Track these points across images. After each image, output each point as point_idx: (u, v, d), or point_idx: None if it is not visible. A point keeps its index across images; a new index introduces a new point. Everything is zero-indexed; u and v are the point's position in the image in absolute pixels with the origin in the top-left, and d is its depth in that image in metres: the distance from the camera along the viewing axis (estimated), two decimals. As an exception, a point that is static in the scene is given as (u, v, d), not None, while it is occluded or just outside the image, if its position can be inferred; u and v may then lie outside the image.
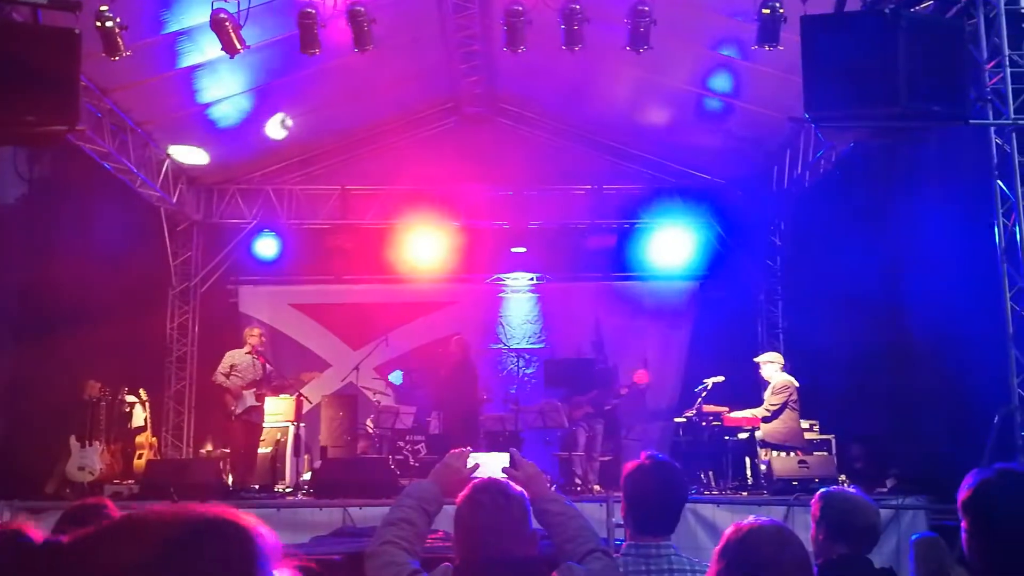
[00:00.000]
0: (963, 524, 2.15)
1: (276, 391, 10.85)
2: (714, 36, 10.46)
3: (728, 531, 2.27)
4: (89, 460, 9.44)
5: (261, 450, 10.51)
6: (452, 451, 3.00)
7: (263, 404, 10.27)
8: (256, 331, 10.44)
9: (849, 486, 7.15)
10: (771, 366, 9.79)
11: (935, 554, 5.61)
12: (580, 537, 2.72)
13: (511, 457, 2.96)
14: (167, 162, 12.66)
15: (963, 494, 2.12)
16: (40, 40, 7.32)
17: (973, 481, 2.13)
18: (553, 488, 3.16)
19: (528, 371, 11.29)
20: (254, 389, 9.94)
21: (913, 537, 5.44)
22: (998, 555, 1.99)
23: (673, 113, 12.78)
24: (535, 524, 2.69)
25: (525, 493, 2.67)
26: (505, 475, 2.89)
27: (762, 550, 2.16)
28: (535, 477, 2.89)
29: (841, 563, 3.06)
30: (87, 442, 9.57)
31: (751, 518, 2.29)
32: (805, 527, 3.21)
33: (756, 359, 10.48)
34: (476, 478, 2.76)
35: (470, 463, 2.95)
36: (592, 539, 2.74)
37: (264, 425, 10.63)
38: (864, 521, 3.15)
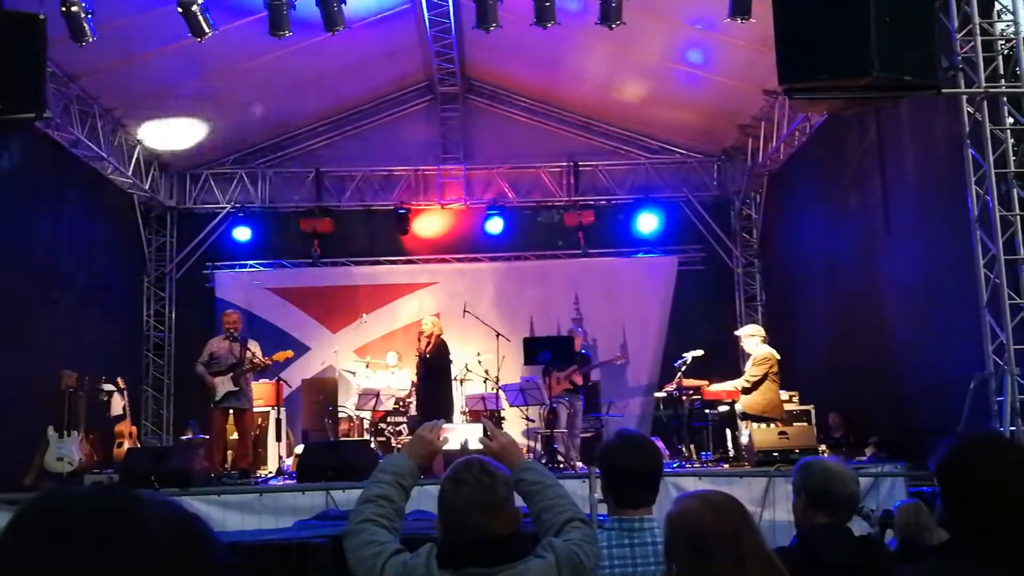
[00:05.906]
0: (938, 489, 2.17)
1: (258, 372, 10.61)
2: (686, 10, 10.43)
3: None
4: (67, 450, 9.35)
5: (233, 436, 10.37)
6: (426, 423, 3.00)
7: (245, 389, 10.09)
8: (232, 316, 10.31)
9: (829, 456, 7.20)
10: (752, 340, 9.81)
11: (918, 519, 5.68)
12: (557, 506, 2.67)
13: (484, 427, 2.96)
14: (138, 148, 12.54)
15: (936, 460, 2.13)
16: (4, 26, 7.20)
17: (945, 447, 2.14)
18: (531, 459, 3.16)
19: (507, 349, 11.27)
20: (230, 375, 9.83)
21: (896, 503, 5.49)
22: (972, 518, 2.01)
23: (647, 88, 12.77)
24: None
25: (506, 468, 2.66)
26: (482, 445, 2.89)
27: None
28: (509, 446, 2.87)
29: (821, 532, 3.08)
30: (65, 432, 9.47)
31: None
32: (786, 498, 3.22)
33: (737, 332, 10.49)
34: (450, 450, 2.76)
35: (443, 435, 2.95)
36: (569, 508, 2.69)
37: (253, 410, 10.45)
38: (843, 490, 3.16)
